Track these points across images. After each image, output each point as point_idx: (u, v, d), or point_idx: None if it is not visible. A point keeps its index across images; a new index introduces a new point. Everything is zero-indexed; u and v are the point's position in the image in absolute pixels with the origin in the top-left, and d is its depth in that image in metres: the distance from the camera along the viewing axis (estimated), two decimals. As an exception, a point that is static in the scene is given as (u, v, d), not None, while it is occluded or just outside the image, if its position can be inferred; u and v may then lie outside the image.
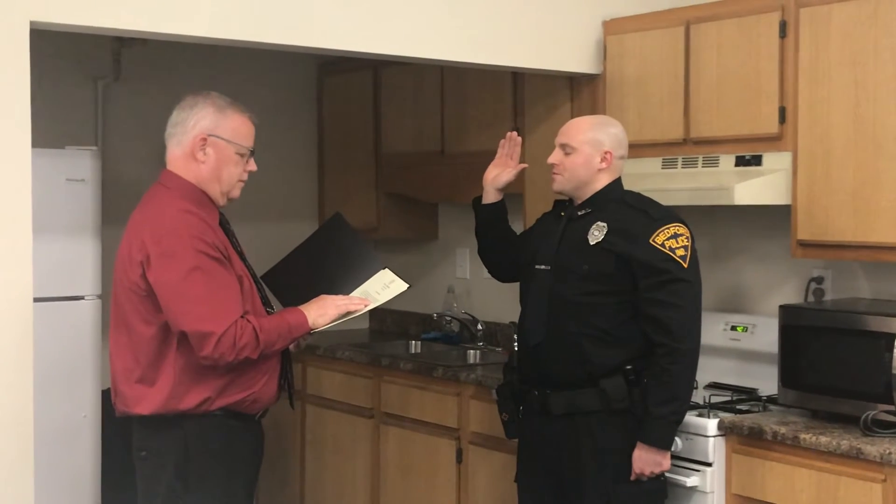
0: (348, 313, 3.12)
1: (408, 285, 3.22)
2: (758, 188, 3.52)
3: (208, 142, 3.00)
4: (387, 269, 3.24)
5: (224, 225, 3.09)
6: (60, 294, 4.23)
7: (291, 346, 3.15)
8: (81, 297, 4.32)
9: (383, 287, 3.21)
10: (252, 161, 3.10)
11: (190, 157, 3.01)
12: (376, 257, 3.29)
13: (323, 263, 3.29)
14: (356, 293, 3.20)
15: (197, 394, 2.93)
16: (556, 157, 3.35)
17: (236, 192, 3.09)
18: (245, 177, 3.09)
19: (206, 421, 2.96)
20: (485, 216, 3.61)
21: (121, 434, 3.31)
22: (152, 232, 2.91)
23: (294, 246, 3.45)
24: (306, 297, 3.14)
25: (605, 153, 3.30)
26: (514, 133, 3.61)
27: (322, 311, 3.07)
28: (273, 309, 3.14)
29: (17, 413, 2.97)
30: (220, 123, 3.01)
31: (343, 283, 3.21)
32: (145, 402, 2.95)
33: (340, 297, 3.14)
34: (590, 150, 3.30)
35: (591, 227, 3.29)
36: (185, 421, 2.95)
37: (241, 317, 2.91)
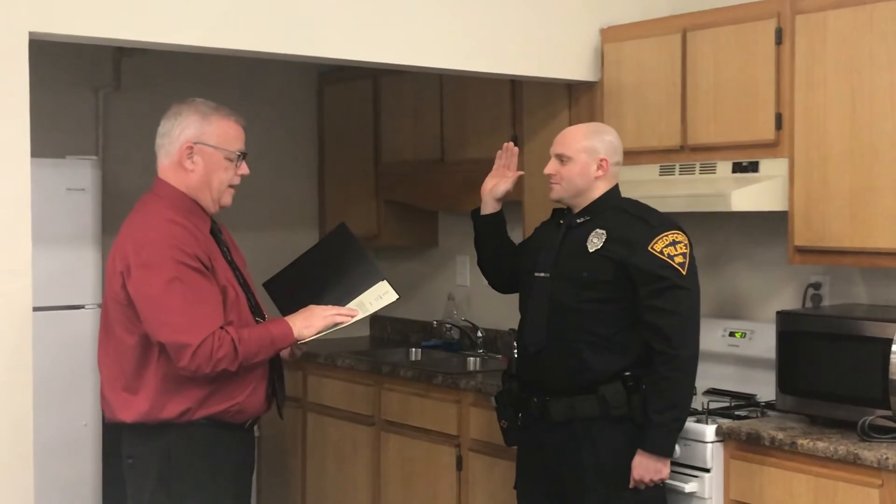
0: (336, 324, 3.10)
1: (398, 296, 3.20)
2: (755, 194, 3.53)
3: (195, 149, 3.00)
4: (385, 281, 3.23)
5: (215, 233, 3.08)
6: (60, 303, 4.25)
7: (286, 356, 3.15)
8: (81, 306, 4.34)
9: (377, 298, 3.20)
10: (244, 165, 3.08)
11: (179, 167, 3.01)
12: (377, 269, 3.27)
13: (325, 273, 3.28)
14: (352, 304, 3.18)
15: (177, 404, 2.93)
16: (552, 167, 3.36)
17: (227, 199, 3.07)
18: (237, 181, 3.07)
19: (189, 430, 2.95)
20: (483, 227, 3.62)
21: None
22: (134, 242, 2.91)
23: (295, 254, 3.46)
24: (306, 305, 3.13)
25: (601, 160, 3.31)
26: (511, 144, 3.63)
27: (308, 323, 3.05)
28: (264, 318, 3.12)
29: (17, 422, 2.97)
30: (205, 130, 3.00)
31: (342, 293, 3.21)
32: (129, 410, 2.95)
33: (328, 307, 3.12)
34: (586, 159, 3.31)
35: (590, 234, 3.30)
36: (168, 429, 2.95)
37: (221, 328, 2.89)
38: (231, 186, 3.06)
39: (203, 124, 3.01)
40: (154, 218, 2.95)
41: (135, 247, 2.90)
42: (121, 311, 2.94)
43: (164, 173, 3.04)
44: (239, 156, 3.06)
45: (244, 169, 3.08)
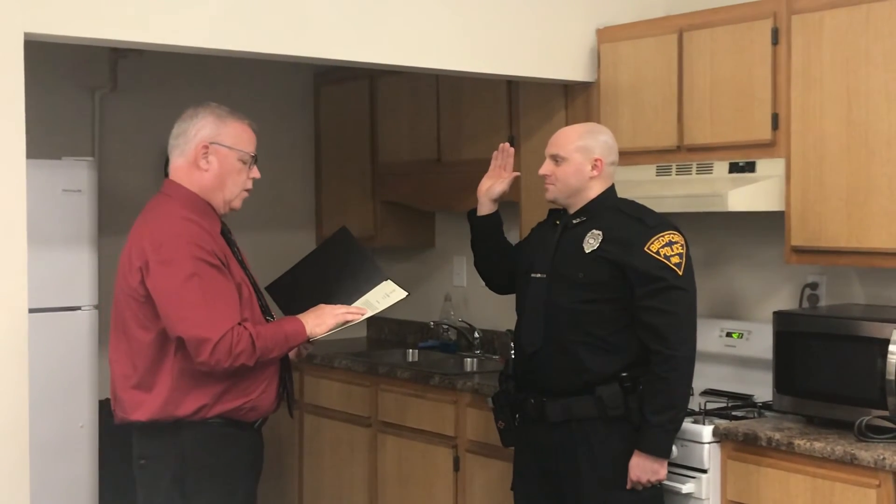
0: (346, 322, 3.14)
1: (406, 293, 3.25)
2: (751, 195, 3.53)
3: (210, 149, 3.04)
4: (389, 280, 3.27)
5: (225, 234, 3.11)
6: (57, 304, 4.23)
7: (293, 356, 3.18)
8: (78, 308, 4.33)
9: (384, 296, 3.25)
10: (255, 168, 3.12)
11: (193, 166, 3.04)
12: (380, 269, 3.32)
13: (328, 275, 3.32)
14: (358, 303, 3.23)
15: (193, 400, 2.95)
16: (547, 167, 3.35)
17: (238, 203, 3.12)
18: (249, 185, 3.12)
19: (204, 429, 2.98)
20: (480, 228, 3.62)
21: (118, 444, 3.31)
22: (152, 239, 2.94)
23: (292, 255, 3.47)
24: (310, 308, 3.15)
25: (596, 160, 3.31)
26: (507, 144, 3.63)
27: (319, 321, 3.10)
28: (272, 317, 3.16)
29: (13, 424, 2.97)
30: (221, 131, 3.05)
31: (346, 294, 3.24)
32: (142, 408, 2.96)
33: (338, 306, 3.17)
34: (580, 159, 3.30)
35: (586, 235, 3.30)
36: (182, 428, 2.96)
37: (239, 324, 2.92)
38: (245, 190, 3.11)
39: (219, 125, 3.05)
40: (170, 216, 2.98)
41: (153, 244, 2.92)
42: (137, 307, 2.96)
43: (176, 174, 3.06)
44: (251, 158, 3.10)
45: (255, 172, 3.13)
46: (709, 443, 3.36)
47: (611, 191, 3.37)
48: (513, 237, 3.77)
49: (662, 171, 3.85)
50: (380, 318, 5.42)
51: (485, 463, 4.12)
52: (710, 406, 3.54)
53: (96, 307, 4.35)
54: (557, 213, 3.45)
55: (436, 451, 4.32)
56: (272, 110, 5.41)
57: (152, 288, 2.91)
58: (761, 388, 3.63)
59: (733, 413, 3.50)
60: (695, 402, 3.52)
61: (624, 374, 3.22)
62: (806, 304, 3.79)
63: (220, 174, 3.05)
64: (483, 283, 3.75)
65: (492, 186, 3.58)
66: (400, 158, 5.10)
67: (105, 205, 4.50)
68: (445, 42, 3.72)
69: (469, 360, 4.88)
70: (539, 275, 3.36)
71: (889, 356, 3.12)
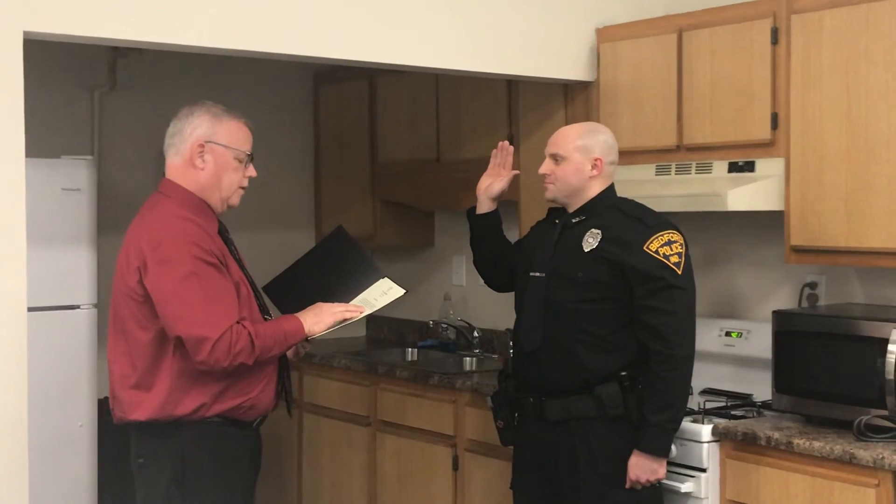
0: (344, 320, 3.15)
1: (404, 291, 3.26)
2: (751, 194, 3.53)
3: (206, 148, 3.03)
4: (386, 278, 3.28)
5: (223, 233, 3.11)
6: (56, 303, 4.24)
7: (290, 355, 3.18)
8: (77, 307, 4.33)
9: (381, 294, 3.25)
10: (251, 167, 3.12)
11: (189, 165, 3.04)
12: (377, 267, 3.32)
13: (324, 274, 3.32)
14: (356, 301, 3.23)
15: (192, 399, 2.95)
16: (546, 167, 3.35)
17: (235, 200, 3.12)
18: (245, 183, 3.12)
19: (203, 428, 2.98)
20: (479, 226, 3.62)
21: (118, 443, 3.31)
22: (150, 238, 2.94)
23: (292, 255, 3.47)
24: (308, 306, 3.16)
25: (596, 160, 3.31)
26: (506, 143, 3.63)
27: (318, 319, 3.10)
28: (270, 317, 3.16)
29: (12, 423, 2.97)
30: (217, 129, 3.04)
31: (344, 292, 3.24)
32: (142, 407, 2.96)
33: (336, 304, 3.17)
34: (580, 158, 3.30)
35: (585, 234, 3.30)
36: (181, 427, 2.96)
37: (238, 322, 2.92)
38: (241, 188, 3.11)
39: (215, 124, 3.05)
40: (168, 215, 2.98)
41: (151, 243, 2.92)
42: (135, 307, 2.96)
43: (173, 173, 3.06)
44: (248, 157, 3.10)
45: (252, 171, 3.13)
46: (708, 442, 3.36)
47: (610, 190, 3.37)
48: (512, 236, 3.77)
49: (662, 170, 3.85)
50: (379, 317, 5.44)
51: (484, 462, 4.12)
52: (710, 405, 3.54)
53: (95, 306, 4.35)
54: (557, 212, 3.45)
55: (435, 450, 4.32)
56: (271, 110, 5.41)
57: (151, 288, 2.91)
58: (760, 387, 3.64)
59: (732, 412, 3.50)
60: (694, 402, 3.52)
61: (623, 374, 3.22)
62: (805, 304, 3.79)
63: (216, 173, 3.05)
64: (482, 283, 3.75)
65: (491, 185, 3.58)
66: (399, 157, 5.10)
67: (104, 204, 4.51)
68: (445, 42, 3.72)
69: (468, 359, 4.88)
70: (538, 274, 3.35)
71: (888, 356, 3.12)
